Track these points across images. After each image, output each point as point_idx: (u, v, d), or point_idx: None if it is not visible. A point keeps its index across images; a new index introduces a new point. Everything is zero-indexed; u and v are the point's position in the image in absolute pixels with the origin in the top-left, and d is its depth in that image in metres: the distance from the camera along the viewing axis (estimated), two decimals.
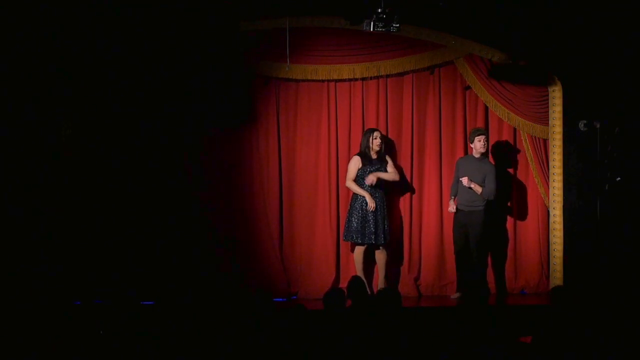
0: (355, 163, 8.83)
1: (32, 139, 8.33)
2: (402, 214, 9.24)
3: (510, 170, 9.32)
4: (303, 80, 9.11)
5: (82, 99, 8.54)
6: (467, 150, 9.15)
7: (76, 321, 7.15)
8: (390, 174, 8.83)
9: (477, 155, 8.81)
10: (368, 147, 8.80)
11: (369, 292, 8.44)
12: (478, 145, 8.76)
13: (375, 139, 8.78)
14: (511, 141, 9.30)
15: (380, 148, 8.80)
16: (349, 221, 8.81)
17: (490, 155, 9.21)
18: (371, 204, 8.65)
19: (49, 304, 8.04)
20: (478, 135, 8.78)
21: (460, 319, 7.72)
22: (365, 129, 9.05)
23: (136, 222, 8.69)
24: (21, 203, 8.29)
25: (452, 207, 8.90)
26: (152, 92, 8.65)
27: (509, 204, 9.31)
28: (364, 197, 8.71)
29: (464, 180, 8.68)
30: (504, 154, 9.30)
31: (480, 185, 8.69)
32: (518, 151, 9.31)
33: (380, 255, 8.89)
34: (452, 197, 8.92)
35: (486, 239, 8.84)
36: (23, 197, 8.30)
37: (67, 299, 8.28)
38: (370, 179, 8.72)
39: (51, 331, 6.38)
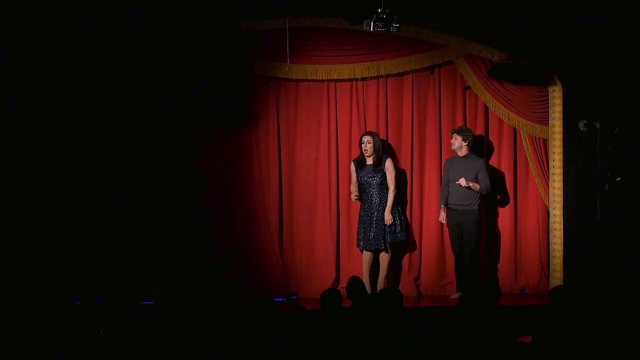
0: (353, 169, 8.92)
1: (32, 137, 8.35)
2: None
3: (510, 170, 9.31)
4: (303, 80, 9.11)
5: (81, 99, 8.53)
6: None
7: (76, 321, 7.14)
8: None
9: (460, 154, 8.83)
10: (361, 151, 8.84)
11: (370, 292, 8.44)
12: (452, 144, 8.83)
13: (362, 143, 8.80)
14: (511, 141, 9.29)
15: (372, 153, 8.80)
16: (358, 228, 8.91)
17: (490, 155, 9.23)
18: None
19: (49, 304, 8.04)
20: (452, 134, 8.85)
21: (460, 319, 7.73)
22: (365, 130, 9.07)
23: (136, 222, 8.69)
24: (22, 203, 8.30)
25: (442, 218, 8.93)
26: (151, 92, 8.66)
27: (509, 204, 9.30)
28: (364, 203, 8.82)
29: (462, 182, 8.69)
30: (504, 154, 9.29)
31: (476, 183, 8.72)
32: (518, 151, 9.30)
33: (383, 257, 8.90)
34: (443, 204, 8.93)
35: (480, 238, 8.85)
36: (24, 197, 8.31)
37: (67, 299, 8.28)
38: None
39: (51, 331, 6.37)
